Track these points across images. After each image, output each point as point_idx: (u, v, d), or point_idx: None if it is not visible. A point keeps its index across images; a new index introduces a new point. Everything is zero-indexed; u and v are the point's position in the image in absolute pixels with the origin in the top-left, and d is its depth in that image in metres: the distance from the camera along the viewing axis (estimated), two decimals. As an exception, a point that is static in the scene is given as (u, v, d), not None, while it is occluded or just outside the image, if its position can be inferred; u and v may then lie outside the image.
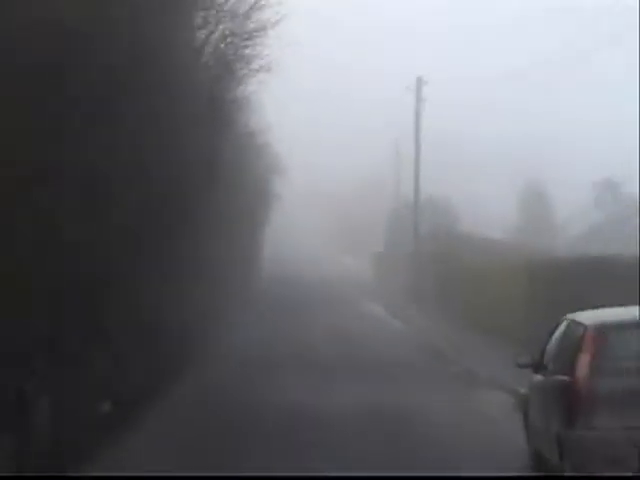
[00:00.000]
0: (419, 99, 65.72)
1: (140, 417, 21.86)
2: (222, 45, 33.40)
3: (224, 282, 46.95)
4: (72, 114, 18.14)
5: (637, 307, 15.60)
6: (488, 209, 77.61)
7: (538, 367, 16.30)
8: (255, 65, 36.69)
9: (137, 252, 22.90)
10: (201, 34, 31.72)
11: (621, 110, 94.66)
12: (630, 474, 13.32)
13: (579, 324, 15.14)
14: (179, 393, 25.43)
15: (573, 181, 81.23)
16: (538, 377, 16.28)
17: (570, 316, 15.90)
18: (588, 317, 15.24)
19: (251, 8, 33.58)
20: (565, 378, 14.60)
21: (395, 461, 18.72)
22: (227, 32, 33.41)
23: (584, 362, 14.18)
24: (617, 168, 78.80)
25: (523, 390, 17.41)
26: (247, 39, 34.60)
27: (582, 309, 16.24)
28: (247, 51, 35.30)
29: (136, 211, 22.20)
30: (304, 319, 47.36)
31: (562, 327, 15.91)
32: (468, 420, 21.64)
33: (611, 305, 16.22)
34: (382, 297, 61.93)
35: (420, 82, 65.96)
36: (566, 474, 14.34)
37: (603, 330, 14.49)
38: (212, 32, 32.42)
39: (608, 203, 78.35)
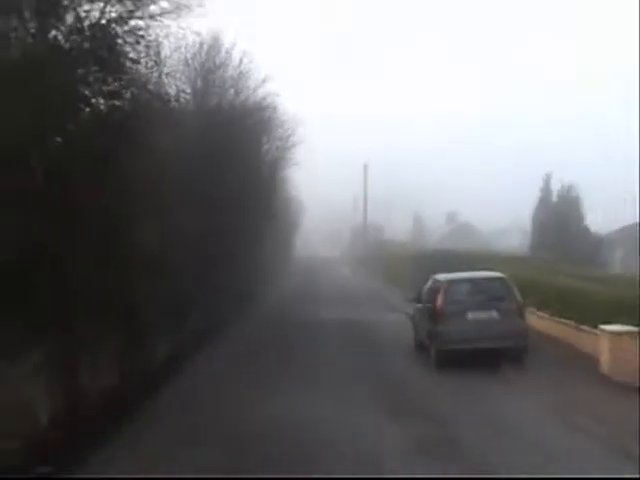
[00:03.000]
0: (366, 177, 61.67)
1: (230, 322, 21.84)
2: (275, 153, 33.53)
3: (275, 264, 46.80)
4: (222, 191, 19.63)
5: (463, 273, 15.79)
6: (397, 228, 76.86)
7: (418, 300, 16.39)
8: (290, 162, 37.09)
9: (234, 247, 23.00)
10: (264, 148, 31.80)
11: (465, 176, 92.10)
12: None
13: (437, 280, 15.45)
14: (249, 315, 25.21)
15: (438, 213, 79.99)
16: (418, 305, 16.38)
17: (433, 276, 16.07)
18: (441, 276, 15.48)
19: (288, 135, 33.96)
20: (431, 305, 14.88)
21: (351, 336, 18.91)
22: (277, 146, 33.40)
23: (439, 297, 14.47)
24: (461, 205, 78.47)
25: (411, 311, 17.33)
26: (287, 149, 34.74)
27: (437, 273, 16.28)
28: (287, 155, 35.47)
29: (238, 232, 22.73)
30: (311, 276, 47.90)
31: (430, 281, 16.04)
32: (388, 323, 21.61)
33: (450, 271, 16.24)
34: (348, 267, 61.77)
35: (366, 168, 61.79)
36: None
37: (448, 282, 14.81)
38: (270, 147, 32.52)
39: (450, 225, 78.23)
